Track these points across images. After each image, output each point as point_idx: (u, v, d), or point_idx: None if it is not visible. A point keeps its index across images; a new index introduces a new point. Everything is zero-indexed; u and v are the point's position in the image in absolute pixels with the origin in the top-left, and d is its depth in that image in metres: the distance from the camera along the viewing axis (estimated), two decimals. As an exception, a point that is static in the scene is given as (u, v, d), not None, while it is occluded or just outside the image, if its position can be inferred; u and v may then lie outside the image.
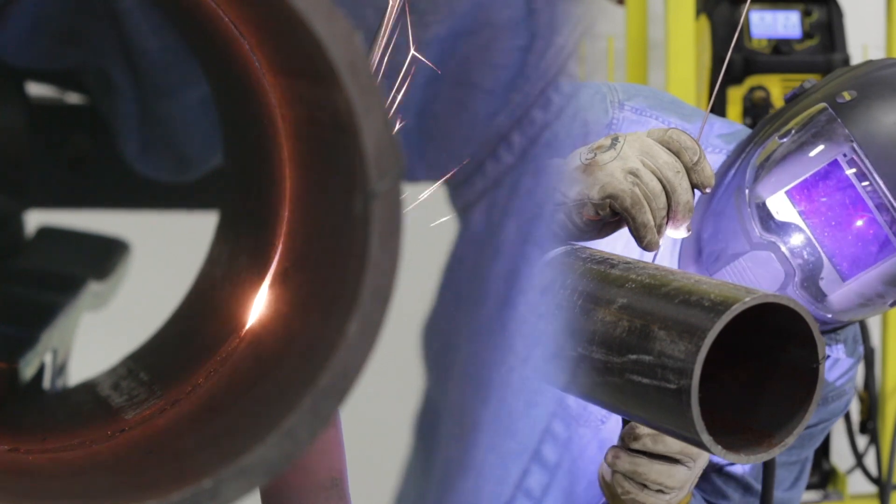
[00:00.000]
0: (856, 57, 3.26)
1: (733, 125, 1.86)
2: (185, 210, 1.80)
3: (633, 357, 1.29)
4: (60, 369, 1.60)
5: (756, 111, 3.32)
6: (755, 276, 1.66)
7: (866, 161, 1.61)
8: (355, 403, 1.04)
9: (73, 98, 1.80)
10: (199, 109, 1.67)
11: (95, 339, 1.67)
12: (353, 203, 1.01)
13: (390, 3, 1.23)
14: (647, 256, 1.50)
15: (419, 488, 1.73)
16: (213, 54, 1.37)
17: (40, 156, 1.74)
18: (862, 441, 3.52)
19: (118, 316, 1.74)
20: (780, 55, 3.35)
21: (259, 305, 1.22)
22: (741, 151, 1.74)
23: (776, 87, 3.34)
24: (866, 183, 1.62)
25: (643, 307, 1.31)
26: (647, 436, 1.53)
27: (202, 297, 1.42)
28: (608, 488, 1.59)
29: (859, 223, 1.63)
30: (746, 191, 1.67)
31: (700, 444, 1.24)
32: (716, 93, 3.05)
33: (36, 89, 1.77)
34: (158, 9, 1.61)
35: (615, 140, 1.50)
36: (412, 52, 1.32)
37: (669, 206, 1.47)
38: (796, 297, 1.63)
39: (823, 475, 3.52)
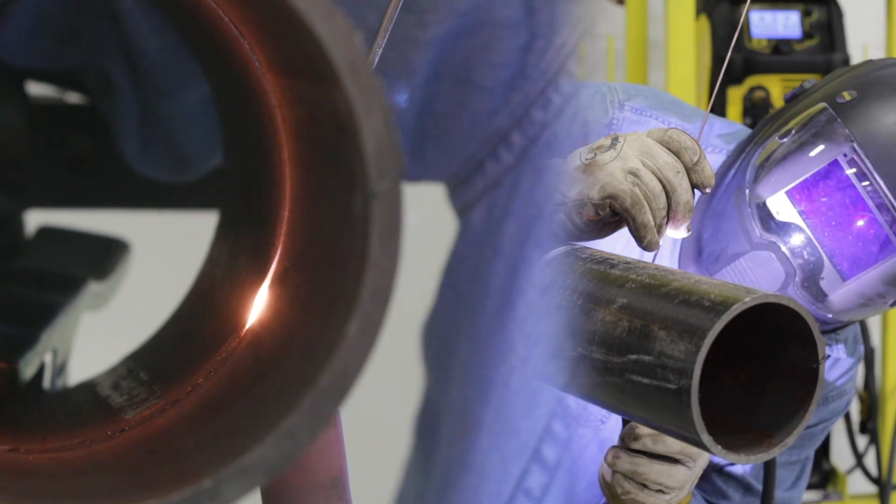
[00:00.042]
0: (856, 57, 3.26)
1: (733, 125, 1.86)
2: (185, 210, 1.80)
3: (633, 357, 1.29)
4: (60, 369, 1.59)
5: (756, 111, 3.32)
6: (755, 276, 1.66)
7: (866, 161, 1.61)
8: (355, 403, 1.04)
9: (73, 98, 1.80)
10: (199, 109, 1.67)
11: (95, 339, 1.67)
12: (353, 203, 1.01)
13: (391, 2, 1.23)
14: (647, 256, 1.50)
15: (419, 488, 1.73)
16: (213, 54, 1.37)
17: (40, 156, 1.74)
18: (862, 441, 3.52)
19: (118, 316, 1.74)
20: (780, 55, 3.35)
21: (259, 305, 1.22)
22: (741, 151, 1.74)
23: (776, 87, 3.34)
24: (866, 183, 1.62)
25: (643, 307, 1.31)
26: (648, 436, 1.53)
27: (202, 297, 1.42)
28: (608, 489, 1.59)
29: (860, 223, 1.63)
30: (746, 191, 1.67)
31: (700, 444, 1.24)
32: (716, 93, 3.05)
33: (36, 89, 1.77)
34: (158, 9, 1.61)
35: (615, 140, 1.50)
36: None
37: (669, 206, 1.47)
38: (797, 297, 1.63)
39: (823, 475, 3.53)
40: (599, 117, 1.76)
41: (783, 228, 1.65)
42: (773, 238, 1.65)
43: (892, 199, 1.60)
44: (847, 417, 3.44)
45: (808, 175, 1.64)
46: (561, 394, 1.63)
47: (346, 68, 0.98)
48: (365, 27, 1.03)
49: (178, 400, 1.21)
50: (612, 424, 1.76)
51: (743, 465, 1.83)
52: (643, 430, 1.53)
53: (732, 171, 1.72)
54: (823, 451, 3.53)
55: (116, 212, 1.81)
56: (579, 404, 1.74)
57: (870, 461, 3.50)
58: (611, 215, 1.48)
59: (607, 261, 1.41)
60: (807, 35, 3.37)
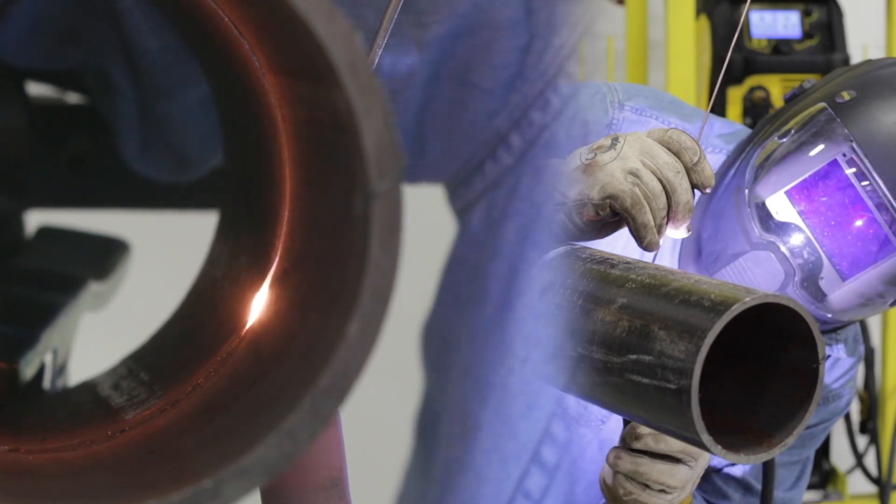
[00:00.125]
0: (856, 57, 3.26)
1: (733, 125, 1.86)
2: (185, 210, 1.80)
3: (633, 357, 1.29)
4: (60, 369, 1.60)
5: (756, 111, 3.32)
6: (755, 276, 1.66)
7: (866, 161, 1.61)
8: (355, 403, 1.04)
9: (73, 98, 1.80)
10: (199, 109, 1.67)
11: (95, 339, 1.67)
12: (353, 203, 1.01)
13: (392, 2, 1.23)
14: (647, 256, 1.50)
15: (419, 489, 1.73)
16: (213, 54, 1.37)
17: (40, 156, 1.74)
18: (862, 441, 3.52)
19: (118, 316, 1.74)
20: (780, 55, 3.35)
21: (259, 305, 1.22)
22: (741, 151, 1.74)
23: (776, 87, 3.34)
24: (866, 182, 1.62)
25: (643, 307, 1.31)
26: (649, 435, 1.53)
27: (202, 297, 1.42)
28: (609, 491, 1.59)
29: (859, 223, 1.63)
30: (746, 191, 1.67)
31: (700, 444, 1.24)
32: (716, 93, 3.06)
33: (36, 89, 1.77)
34: (158, 9, 1.61)
35: (615, 140, 1.50)
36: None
37: (669, 206, 1.47)
38: (796, 297, 1.63)
39: (823, 475, 3.52)
40: (599, 117, 1.76)
41: (782, 228, 1.65)
42: (773, 238, 1.65)
43: (892, 199, 1.60)
44: (847, 417, 3.44)
45: (807, 175, 1.64)
46: (560, 395, 1.63)
47: (346, 68, 0.98)
48: (365, 27, 1.03)
49: (178, 400, 1.21)
50: (612, 424, 1.76)
51: (743, 465, 1.83)
52: (645, 429, 1.53)
53: (732, 171, 1.72)
54: (823, 451, 3.52)
55: (116, 212, 1.81)
56: (579, 405, 1.74)
57: (870, 461, 3.49)
58: (611, 215, 1.48)
59: (607, 261, 1.41)
60: (807, 35, 3.37)
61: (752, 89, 3.34)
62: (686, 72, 3.23)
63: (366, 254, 1.00)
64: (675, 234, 1.49)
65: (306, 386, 1.01)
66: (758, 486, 1.82)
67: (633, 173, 1.46)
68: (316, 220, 1.14)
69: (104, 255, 1.74)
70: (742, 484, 1.85)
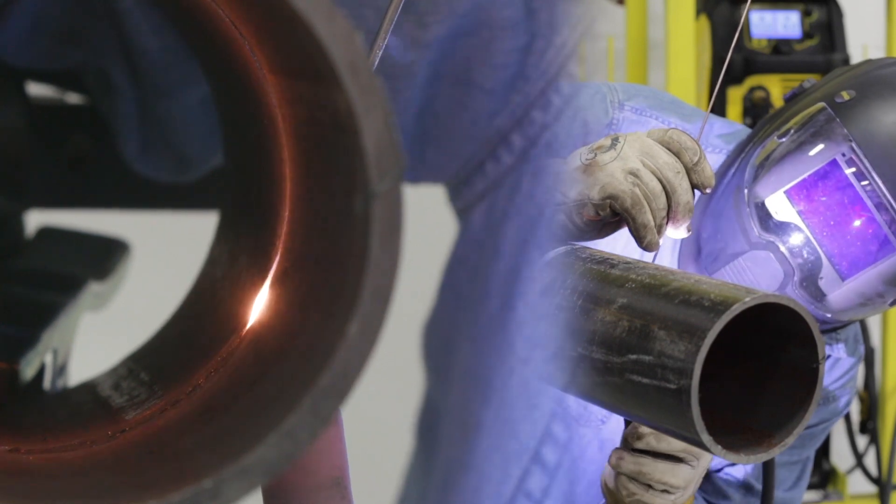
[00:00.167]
0: (856, 57, 3.26)
1: (733, 125, 1.86)
2: (185, 210, 1.80)
3: (633, 357, 1.29)
4: (61, 369, 1.60)
5: (756, 111, 3.32)
6: (754, 275, 1.66)
7: (865, 161, 1.61)
8: (356, 404, 1.04)
9: (73, 98, 1.80)
10: (200, 109, 1.67)
11: (96, 339, 1.67)
12: (353, 203, 1.01)
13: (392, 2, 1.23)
14: (647, 256, 1.50)
15: (420, 489, 1.73)
16: (213, 54, 1.37)
17: (40, 156, 1.74)
18: (862, 441, 3.52)
19: (118, 316, 1.74)
20: (780, 55, 3.35)
21: (259, 305, 1.22)
22: (741, 151, 1.74)
23: (776, 87, 3.34)
24: (865, 182, 1.62)
25: (643, 307, 1.31)
26: (651, 434, 1.53)
27: (202, 298, 1.42)
28: (612, 495, 1.58)
29: (858, 223, 1.63)
30: (745, 190, 1.67)
31: (700, 444, 1.24)
32: (716, 93, 3.06)
33: (36, 89, 1.77)
34: (158, 9, 1.61)
35: (615, 140, 1.50)
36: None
37: (669, 206, 1.47)
38: (796, 297, 1.63)
39: (823, 475, 3.53)
40: (599, 117, 1.76)
41: (782, 228, 1.65)
42: (772, 238, 1.65)
43: (891, 199, 1.60)
44: (847, 417, 3.44)
45: (806, 175, 1.64)
46: (561, 395, 1.63)
47: (346, 68, 0.98)
48: (365, 27, 1.03)
49: (178, 400, 1.21)
50: (612, 424, 1.76)
51: (744, 466, 1.83)
52: (646, 428, 1.53)
53: (732, 171, 1.72)
54: (823, 451, 3.52)
55: (116, 212, 1.81)
56: (579, 405, 1.74)
57: (870, 461, 3.49)
58: (611, 215, 1.48)
59: (607, 261, 1.41)
60: (807, 35, 3.37)
61: (752, 89, 3.34)
62: (686, 72, 3.23)
63: (366, 254, 1.00)
64: (675, 234, 1.49)
65: (306, 386, 1.01)
66: (758, 486, 1.82)
67: (634, 173, 1.46)
68: (316, 220, 1.14)
69: (104, 255, 1.74)
70: (743, 484, 1.85)
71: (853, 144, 1.62)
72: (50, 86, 1.79)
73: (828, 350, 1.80)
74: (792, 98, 1.75)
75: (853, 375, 1.89)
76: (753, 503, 1.84)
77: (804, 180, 1.64)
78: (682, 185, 1.46)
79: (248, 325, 1.23)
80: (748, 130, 1.81)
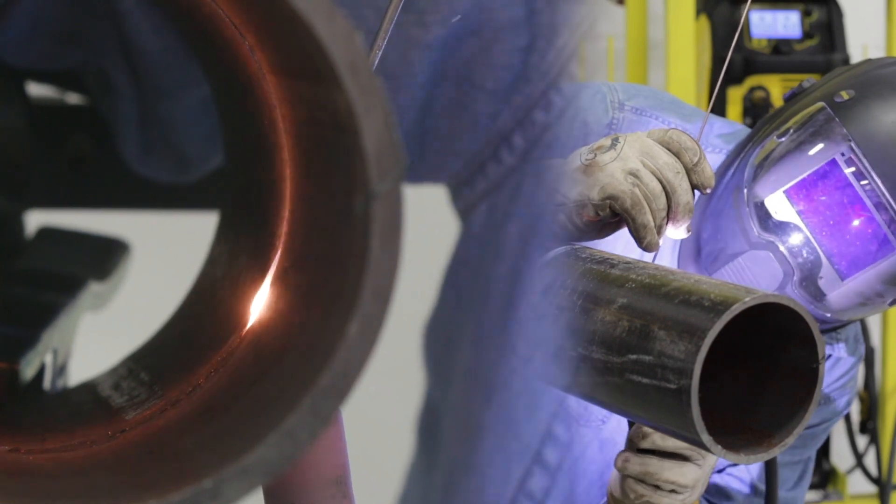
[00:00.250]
0: (856, 57, 3.26)
1: (733, 125, 1.86)
2: (185, 210, 1.80)
3: (633, 357, 1.29)
4: (61, 369, 1.60)
5: (756, 111, 3.32)
6: (754, 275, 1.66)
7: (864, 160, 1.61)
8: (356, 403, 1.04)
9: (73, 98, 1.80)
10: (200, 110, 1.67)
11: (96, 339, 1.67)
12: (353, 203, 1.01)
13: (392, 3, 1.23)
14: (648, 256, 1.50)
15: (422, 489, 1.73)
16: (213, 54, 1.37)
17: (40, 156, 1.75)
18: (862, 441, 3.52)
19: (118, 316, 1.74)
20: (779, 55, 3.35)
21: (259, 305, 1.22)
22: (740, 151, 1.74)
23: (776, 87, 3.34)
24: (865, 182, 1.62)
25: (643, 307, 1.31)
26: (656, 433, 1.53)
27: (202, 298, 1.42)
28: (617, 502, 1.58)
29: (857, 222, 1.63)
30: (745, 190, 1.67)
31: (700, 444, 1.24)
32: (716, 93, 3.05)
33: (36, 89, 1.77)
34: (158, 9, 1.61)
35: (615, 140, 1.50)
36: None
37: (669, 206, 1.47)
38: (795, 297, 1.63)
39: (823, 475, 3.52)
40: (599, 117, 1.76)
41: (781, 228, 1.65)
42: (772, 237, 1.65)
43: (890, 199, 1.60)
44: (847, 417, 3.44)
45: (806, 174, 1.64)
46: (562, 396, 1.63)
47: (346, 68, 0.98)
48: (365, 27, 1.03)
49: (178, 400, 1.21)
50: (612, 424, 1.76)
51: (746, 466, 1.82)
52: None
53: (731, 171, 1.72)
54: (823, 451, 3.52)
55: (116, 212, 1.81)
56: (580, 405, 1.74)
57: (870, 461, 3.49)
58: (611, 216, 1.48)
59: (607, 261, 1.41)
60: (807, 35, 3.37)
61: (752, 89, 3.34)
62: (686, 72, 3.23)
63: (366, 254, 1.00)
64: (675, 234, 1.49)
65: (306, 386, 1.01)
66: (761, 486, 1.82)
67: (633, 174, 1.46)
68: (316, 220, 1.14)
69: (104, 256, 1.74)
70: (744, 484, 1.85)
71: (852, 144, 1.62)
72: (50, 86, 1.79)
73: (828, 349, 1.80)
74: (791, 98, 1.75)
75: (854, 375, 1.89)
76: (757, 503, 1.84)
77: (803, 180, 1.64)
78: (682, 185, 1.46)
79: (248, 325, 1.23)
80: (748, 130, 1.81)
